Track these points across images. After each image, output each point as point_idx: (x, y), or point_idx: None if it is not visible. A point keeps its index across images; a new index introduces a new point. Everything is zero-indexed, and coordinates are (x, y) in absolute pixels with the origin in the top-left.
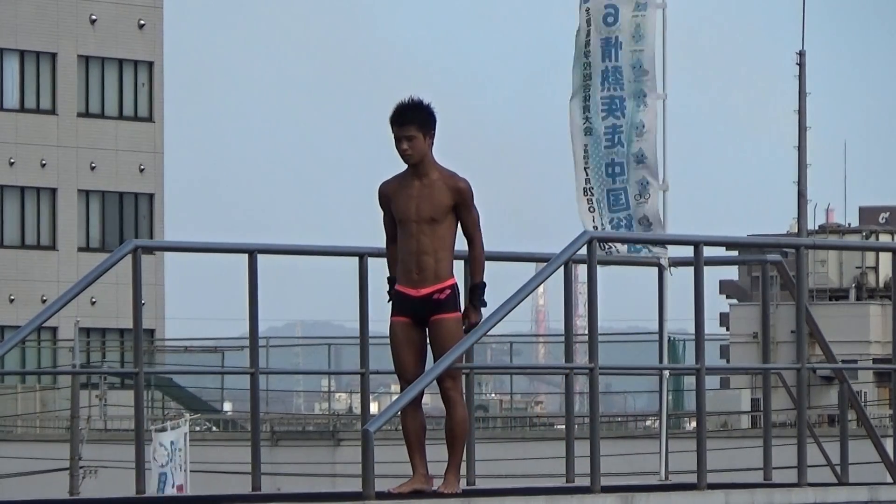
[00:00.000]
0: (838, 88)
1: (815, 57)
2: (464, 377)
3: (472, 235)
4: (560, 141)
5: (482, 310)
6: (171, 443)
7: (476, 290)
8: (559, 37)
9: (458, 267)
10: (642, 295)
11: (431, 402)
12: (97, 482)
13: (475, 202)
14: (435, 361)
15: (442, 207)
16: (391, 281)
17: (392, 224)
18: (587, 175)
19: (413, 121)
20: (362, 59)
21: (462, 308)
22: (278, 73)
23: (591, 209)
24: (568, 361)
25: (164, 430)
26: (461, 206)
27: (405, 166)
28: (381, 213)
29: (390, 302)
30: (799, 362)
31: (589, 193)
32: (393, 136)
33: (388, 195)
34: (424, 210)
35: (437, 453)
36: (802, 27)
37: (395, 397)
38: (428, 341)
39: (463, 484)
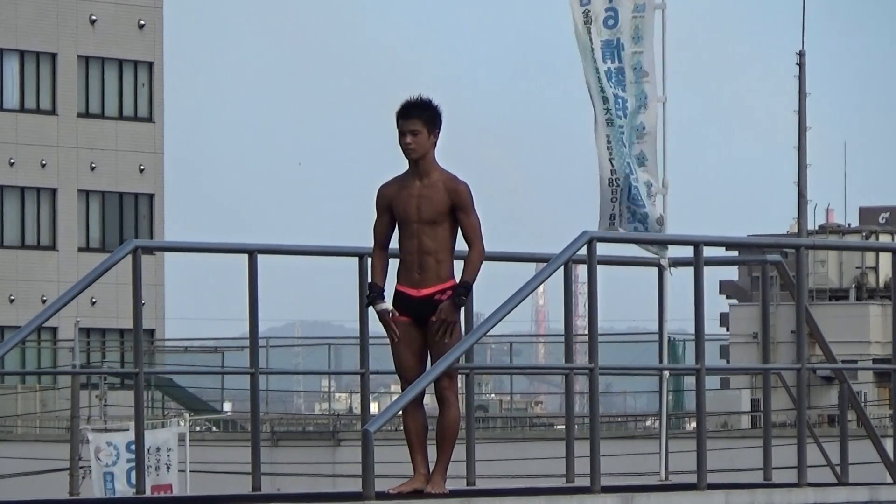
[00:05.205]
0: (838, 88)
1: (815, 57)
2: (464, 377)
3: (472, 240)
4: (559, 140)
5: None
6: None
7: (461, 287)
8: (559, 34)
9: (459, 268)
10: (642, 295)
11: (432, 401)
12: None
13: (475, 207)
14: (433, 361)
15: (442, 209)
16: (373, 286)
17: (384, 229)
18: (612, 166)
19: (419, 116)
20: (363, 60)
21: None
22: (278, 73)
23: (614, 199)
24: (568, 361)
25: (102, 430)
26: (459, 209)
27: (405, 167)
28: (377, 216)
29: (368, 306)
30: (799, 362)
31: (614, 185)
32: (397, 130)
33: (389, 196)
34: (425, 211)
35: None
36: (802, 27)
37: (395, 397)
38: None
39: (462, 484)
